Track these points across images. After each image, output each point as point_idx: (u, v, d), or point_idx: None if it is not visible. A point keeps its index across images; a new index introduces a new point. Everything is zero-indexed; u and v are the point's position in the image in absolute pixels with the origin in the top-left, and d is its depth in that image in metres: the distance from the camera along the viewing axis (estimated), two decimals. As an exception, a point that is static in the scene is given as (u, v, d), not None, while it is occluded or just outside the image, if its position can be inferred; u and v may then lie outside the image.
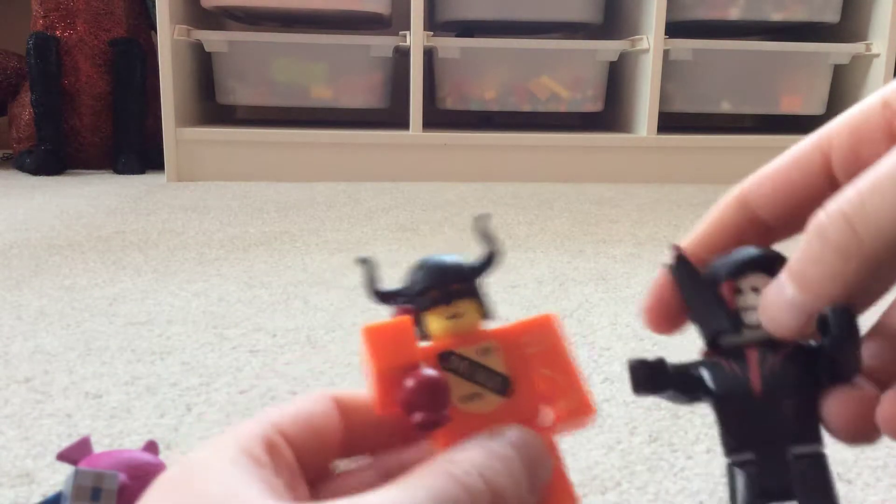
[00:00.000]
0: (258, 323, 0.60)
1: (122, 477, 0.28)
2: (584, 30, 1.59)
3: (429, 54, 1.43)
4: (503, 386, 0.17)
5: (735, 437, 0.17)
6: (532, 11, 1.43)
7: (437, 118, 1.55)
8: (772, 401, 0.16)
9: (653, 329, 0.18)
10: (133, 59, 1.50)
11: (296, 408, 0.17)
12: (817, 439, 0.16)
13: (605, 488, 0.37)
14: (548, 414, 0.17)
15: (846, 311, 0.15)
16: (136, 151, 1.50)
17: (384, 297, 0.18)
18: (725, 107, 1.48)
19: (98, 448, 0.33)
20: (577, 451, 0.40)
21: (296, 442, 0.16)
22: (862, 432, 0.16)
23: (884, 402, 0.15)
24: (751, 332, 0.17)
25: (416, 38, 1.35)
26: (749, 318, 0.17)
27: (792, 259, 0.16)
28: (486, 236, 0.18)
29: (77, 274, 0.74)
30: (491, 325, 0.18)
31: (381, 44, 1.39)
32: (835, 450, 0.43)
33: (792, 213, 0.18)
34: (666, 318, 0.18)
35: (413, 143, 1.39)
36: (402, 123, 1.41)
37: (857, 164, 0.16)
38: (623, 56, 1.47)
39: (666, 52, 1.38)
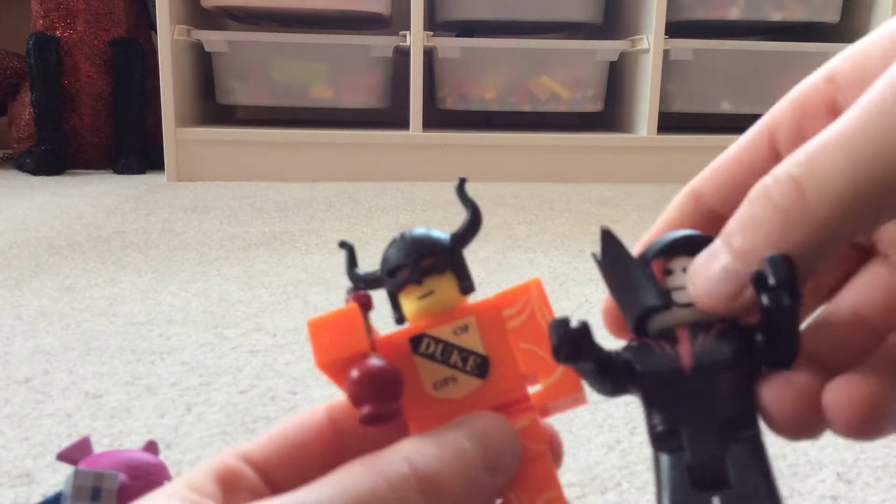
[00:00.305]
0: (258, 323, 0.60)
1: (122, 477, 0.28)
2: (584, 30, 1.59)
3: (429, 54, 1.43)
4: (481, 367, 0.16)
5: (663, 421, 0.15)
6: (532, 11, 1.43)
7: (437, 118, 1.55)
8: (704, 378, 0.15)
9: (613, 332, 0.17)
10: (133, 59, 1.50)
11: (272, 431, 0.16)
12: (754, 422, 0.15)
13: (605, 488, 0.37)
14: (532, 393, 0.16)
15: (786, 260, 0.14)
16: (136, 151, 1.50)
17: (361, 280, 0.17)
18: (725, 107, 1.48)
19: (98, 448, 0.33)
20: (577, 450, 0.40)
21: (267, 463, 0.15)
22: (802, 424, 0.15)
23: (831, 389, 0.14)
24: (681, 311, 0.15)
25: (416, 38, 1.35)
26: (679, 298, 0.16)
27: (729, 223, 0.14)
28: (465, 200, 0.17)
29: (77, 274, 0.74)
30: (471, 300, 0.17)
31: (381, 44, 1.39)
32: (834, 450, 0.43)
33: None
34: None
35: (413, 143, 1.39)
36: (402, 123, 1.41)
37: (802, 141, 0.15)
38: (623, 56, 1.47)
39: (666, 52, 1.38)
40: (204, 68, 1.49)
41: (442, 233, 0.17)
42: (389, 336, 0.16)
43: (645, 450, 0.40)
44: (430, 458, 0.14)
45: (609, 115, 1.56)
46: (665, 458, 0.15)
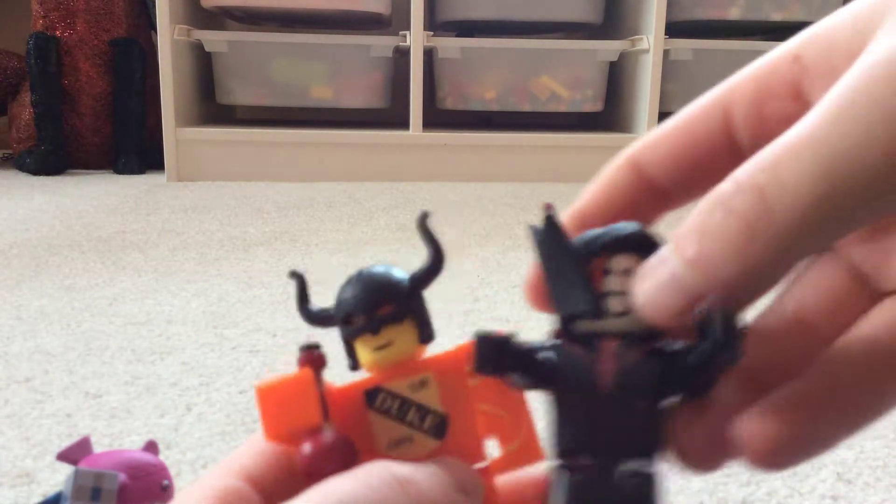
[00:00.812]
0: (258, 323, 0.60)
1: (122, 477, 0.28)
2: (584, 30, 1.59)
3: (429, 54, 1.43)
4: (438, 427, 0.15)
5: (570, 438, 0.14)
6: (532, 11, 1.42)
7: (437, 118, 1.55)
8: (620, 403, 0.14)
9: (537, 307, 0.16)
10: (133, 59, 1.50)
11: (261, 445, 0.15)
12: (660, 451, 0.14)
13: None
14: (489, 456, 0.15)
15: (732, 316, 0.13)
16: (136, 151, 1.50)
17: (313, 318, 0.16)
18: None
19: (98, 448, 0.33)
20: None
21: (265, 480, 0.15)
22: (711, 461, 0.14)
23: (740, 425, 0.13)
24: (612, 319, 0.14)
25: (416, 37, 1.35)
26: (612, 304, 0.14)
27: (682, 229, 0.13)
28: (427, 238, 0.15)
29: (77, 274, 0.74)
30: (430, 351, 0.16)
31: (381, 44, 1.39)
32: (834, 450, 0.43)
33: (690, 176, 0.16)
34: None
35: (413, 143, 1.39)
36: (402, 123, 1.41)
37: (760, 121, 0.15)
38: (623, 56, 1.47)
39: (666, 52, 1.38)
40: (204, 68, 1.49)
41: (402, 273, 0.15)
42: (343, 388, 0.15)
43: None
44: (408, 469, 0.14)
45: (609, 115, 1.56)
46: (563, 477, 0.14)
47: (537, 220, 0.15)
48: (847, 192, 0.12)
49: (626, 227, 0.15)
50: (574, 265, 0.15)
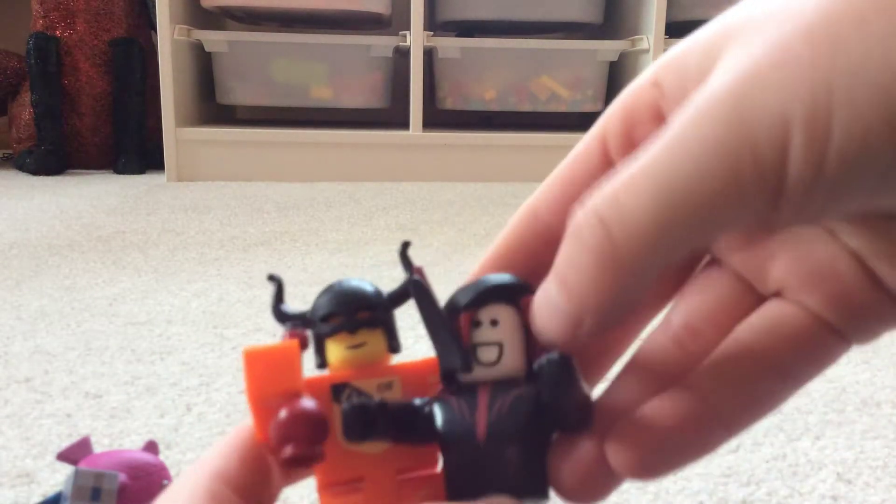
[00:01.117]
0: (258, 323, 0.60)
1: (122, 477, 0.28)
2: (585, 30, 1.59)
3: (429, 54, 1.43)
4: None
5: (456, 487, 0.15)
6: (532, 11, 1.42)
7: (437, 118, 1.55)
8: (495, 448, 0.15)
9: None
10: (133, 59, 1.50)
11: (237, 444, 0.15)
12: (543, 491, 0.15)
13: (605, 488, 0.37)
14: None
15: (560, 363, 0.14)
16: (136, 151, 1.50)
17: (287, 319, 0.16)
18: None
19: (98, 448, 0.33)
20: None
21: (241, 481, 0.15)
22: (591, 492, 0.15)
23: (611, 439, 0.14)
24: (485, 369, 0.15)
25: (416, 37, 1.35)
26: (484, 354, 0.15)
27: (557, 259, 0.14)
28: (406, 264, 0.16)
29: (77, 274, 0.74)
30: (397, 361, 0.17)
31: (381, 44, 1.39)
32: (834, 450, 0.43)
33: None
34: None
35: (413, 143, 1.39)
36: (402, 123, 1.41)
37: (631, 149, 0.15)
38: (623, 56, 1.47)
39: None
40: (204, 68, 1.49)
41: (378, 288, 0.17)
42: (311, 380, 0.16)
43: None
44: None
45: (609, 114, 1.56)
46: None
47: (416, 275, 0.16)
48: (683, 219, 0.12)
49: (490, 279, 0.16)
50: (443, 324, 0.16)
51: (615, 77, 1.53)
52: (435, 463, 0.16)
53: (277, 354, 0.15)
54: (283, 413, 0.15)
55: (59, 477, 0.37)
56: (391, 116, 1.55)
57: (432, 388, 0.16)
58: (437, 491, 0.16)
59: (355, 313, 0.16)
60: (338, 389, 0.16)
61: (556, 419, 0.15)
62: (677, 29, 1.41)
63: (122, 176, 1.46)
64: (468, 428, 0.15)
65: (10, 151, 1.66)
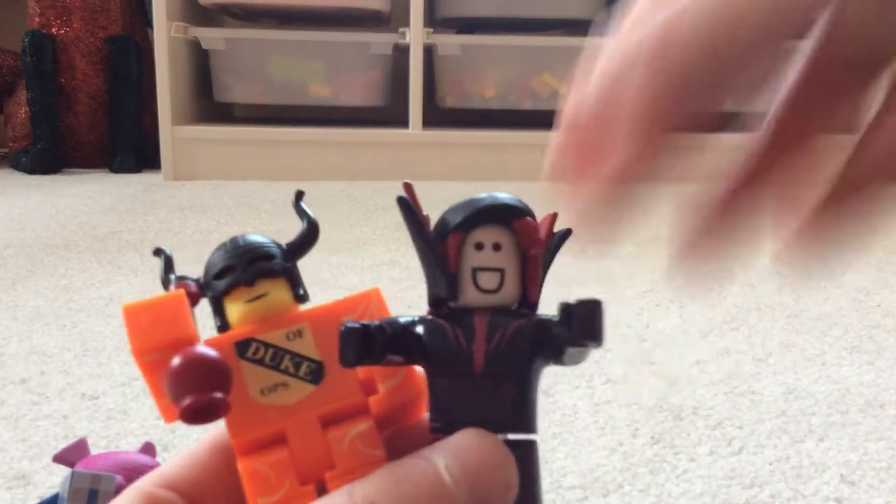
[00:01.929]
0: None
1: (119, 479, 0.28)
2: (586, 26, 1.58)
3: (428, 51, 1.43)
4: (315, 373, 0.15)
5: (443, 416, 0.14)
6: (533, 8, 1.42)
7: (437, 116, 1.55)
8: (493, 381, 0.14)
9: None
10: (129, 56, 1.49)
11: (190, 454, 0.15)
12: (531, 427, 0.15)
13: (606, 490, 0.36)
14: (372, 398, 0.15)
15: (594, 307, 0.14)
16: (133, 150, 1.50)
17: (179, 286, 0.15)
18: (726, 105, 1.47)
19: (95, 450, 0.32)
20: (578, 453, 0.40)
21: (195, 489, 0.15)
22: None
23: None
24: (483, 296, 0.14)
25: (415, 35, 1.34)
26: (485, 280, 0.14)
27: None
28: (301, 213, 0.16)
29: (73, 274, 0.73)
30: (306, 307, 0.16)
31: (381, 41, 1.38)
32: (838, 451, 0.43)
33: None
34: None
35: (413, 142, 1.39)
36: (402, 121, 1.41)
37: None
38: (622, 54, 1.47)
39: (666, 51, 1.38)
40: (201, 66, 1.48)
41: (275, 240, 0.16)
42: (212, 340, 0.15)
43: (647, 452, 0.40)
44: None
45: (608, 113, 1.56)
46: None
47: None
48: None
49: (484, 199, 0.15)
50: (430, 246, 0.15)
51: (614, 75, 1.52)
52: (358, 396, 0.15)
53: (162, 304, 0.14)
54: (175, 360, 0.13)
55: (55, 479, 0.36)
56: (390, 115, 1.55)
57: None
58: (369, 427, 0.15)
59: (252, 263, 0.15)
60: (242, 346, 0.15)
61: (559, 355, 0.14)
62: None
63: (118, 175, 1.45)
64: (465, 357, 0.14)
65: (5, 150, 1.65)
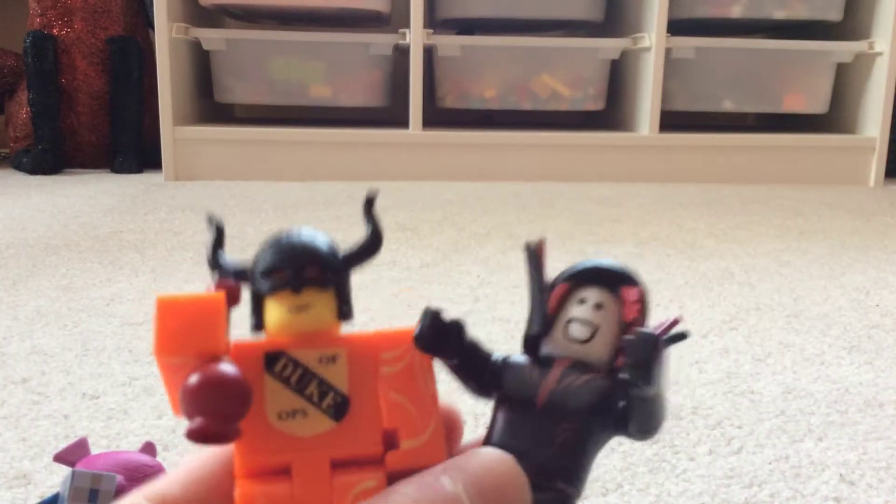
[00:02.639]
0: (257, 323, 0.60)
1: (120, 478, 0.28)
2: (586, 27, 1.58)
3: (429, 52, 1.43)
4: (338, 407, 0.14)
5: (496, 442, 0.15)
6: (533, 9, 1.42)
7: (437, 117, 1.55)
8: (549, 419, 0.15)
9: None
10: (130, 57, 1.49)
11: (187, 468, 0.15)
12: (572, 479, 0.14)
13: (606, 490, 0.36)
14: (389, 453, 0.14)
15: (653, 341, 0.14)
16: (134, 150, 1.50)
17: (225, 269, 0.14)
18: (728, 105, 1.47)
19: (95, 449, 0.32)
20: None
21: (181, 501, 0.14)
22: None
23: None
24: (571, 345, 0.15)
25: (415, 35, 1.34)
26: (576, 330, 0.15)
27: None
28: (369, 219, 0.15)
29: (74, 274, 0.74)
30: (346, 330, 0.14)
31: (381, 42, 1.39)
32: (837, 451, 0.43)
33: None
34: None
35: (413, 142, 1.39)
36: (402, 122, 1.41)
37: None
38: (625, 54, 1.47)
39: (668, 51, 1.38)
40: (202, 66, 1.48)
41: (332, 242, 0.15)
42: (243, 344, 0.14)
43: (646, 451, 0.40)
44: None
45: (610, 113, 1.56)
46: None
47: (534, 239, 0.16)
48: None
49: (602, 262, 0.16)
50: (540, 290, 0.15)
51: (616, 75, 1.52)
52: (377, 447, 0.14)
53: (198, 306, 0.13)
54: (193, 378, 0.12)
55: (56, 478, 0.36)
56: (391, 115, 1.55)
57: (382, 365, 0.14)
58: (379, 484, 0.13)
59: (303, 269, 0.14)
60: (272, 358, 0.14)
61: (623, 420, 0.14)
62: (679, 27, 1.40)
63: (119, 175, 1.45)
64: (532, 389, 0.15)
65: (6, 150, 1.65)
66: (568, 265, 0.16)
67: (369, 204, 0.15)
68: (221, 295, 0.13)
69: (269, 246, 0.14)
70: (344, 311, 0.14)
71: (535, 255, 0.16)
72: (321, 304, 0.14)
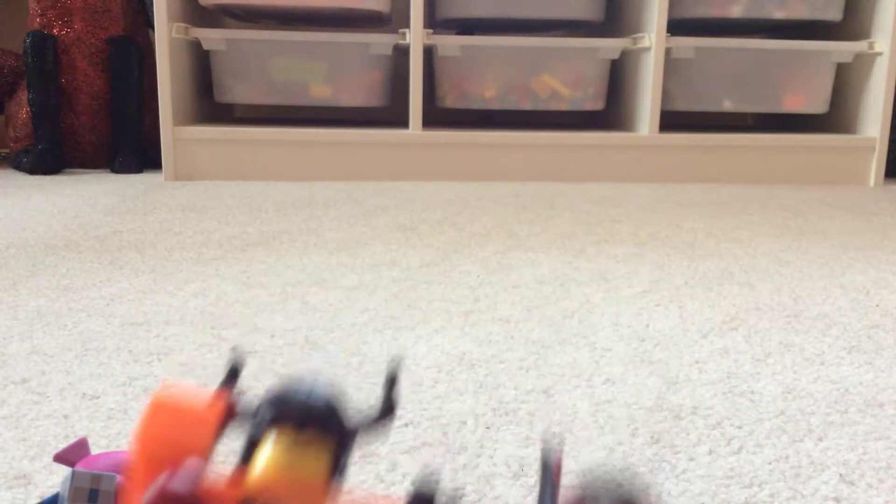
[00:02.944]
0: (256, 324, 0.60)
1: (120, 479, 0.28)
2: (586, 27, 1.58)
3: (429, 52, 1.43)
4: None
5: None
6: (533, 9, 1.42)
7: (437, 117, 1.55)
8: None
9: None
10: (130, 57, 1.49)
11: None
12: None
13: (606, 490, 0.36)
14: None
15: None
16: (134, 150, 1.50)
17: (222, 396, 0.13)
18: (727, 105, 1.47)
19: (95, 449, 0.32)
20: (578, 452, 0.40)
21: None
22: None
23: None
24: None
25: (415, 35, 1.35)
26: None
27: None
28: (388, 395, 0.14)
29: (74, 274, 0.74)
30: (338, 496, 0.14)
31: (381, 42, 1.39)
32: (837, 451, 0.43)
33: None
34: None
35: (413, 142, 1.39)
36: (402, 122, 1.41)
37: None
38: (624, 54, 1.47)
39: (668, 51, 1.38)
40: (202, 67, 1.48)
41: (343, 407, 0.14)
42: (216, 490, 0.13)
43: (646, 451, 0.40)
44: None
45: (610, 113, 1.56)
46: None
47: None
48: None
49: (610, 480, 0.16)
50: (551, 498, 0.16)
51: (616, 75, 1.52)
52: None
53: (192, 416, 0.12)
54: (150, 493, 0.12)
55: (56, 479, 0.36)
56: (391, 115, 1.55)
57: None
58: None
59: (311, 415, 0.13)
60: None
61: None
62: (679, 27, 1.40)
63: (119, 175, 1.45)
64: None
65: (6, 150, 1.65)
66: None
67: (392, 381, 0.14)
68: (218, 408, 0.13)
69: (285, 384, 0.14)
70: (338, 469, 0.14)
71: (548, 468, 0.15)
72: (319, 454, 0.13)
